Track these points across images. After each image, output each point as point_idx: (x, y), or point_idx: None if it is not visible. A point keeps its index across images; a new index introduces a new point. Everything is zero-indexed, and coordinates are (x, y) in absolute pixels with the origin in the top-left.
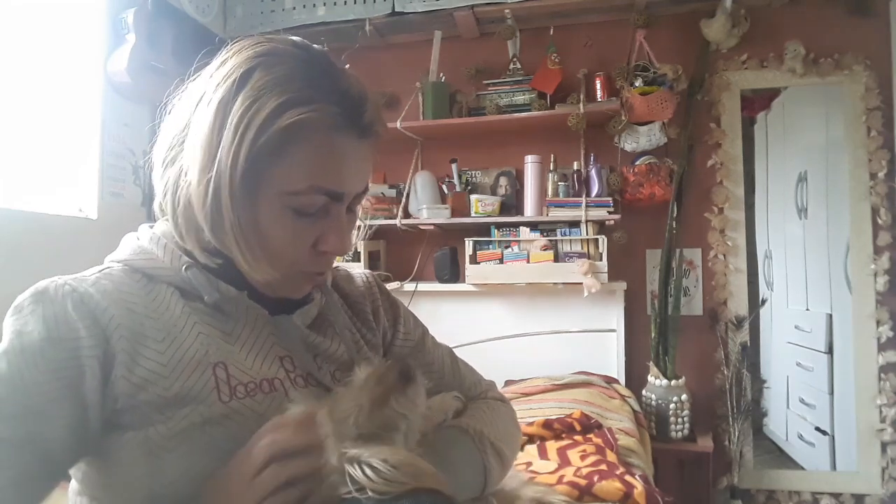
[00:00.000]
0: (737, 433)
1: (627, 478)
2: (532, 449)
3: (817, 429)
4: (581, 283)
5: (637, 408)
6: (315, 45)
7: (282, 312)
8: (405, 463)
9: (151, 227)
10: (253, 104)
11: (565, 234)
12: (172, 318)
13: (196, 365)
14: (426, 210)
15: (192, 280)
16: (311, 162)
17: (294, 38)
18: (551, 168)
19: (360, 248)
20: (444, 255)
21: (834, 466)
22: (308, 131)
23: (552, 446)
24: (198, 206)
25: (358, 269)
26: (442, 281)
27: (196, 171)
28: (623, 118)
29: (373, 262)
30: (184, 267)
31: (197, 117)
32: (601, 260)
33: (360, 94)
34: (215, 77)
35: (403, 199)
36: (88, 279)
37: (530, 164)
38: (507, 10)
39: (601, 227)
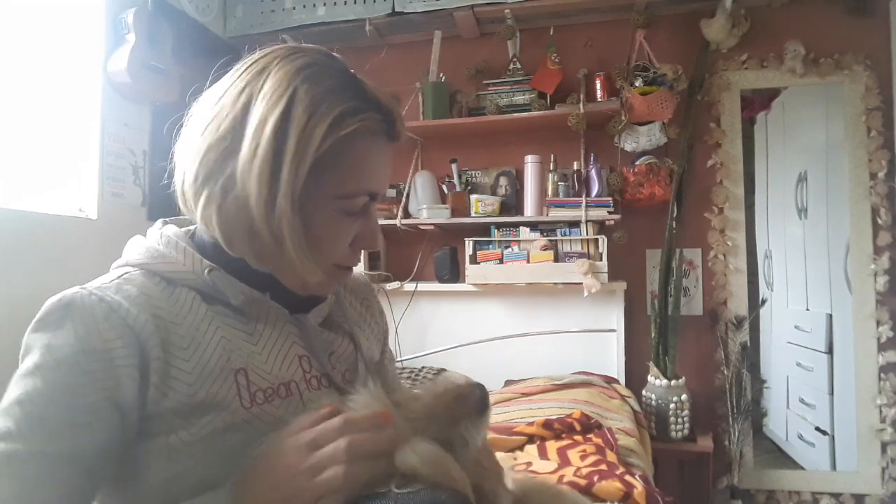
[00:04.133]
0: (737, 433)
1: (627, 478)
2: (532, 449)
3: (817, 429)
4: (581, 283)
5: (637, 408)
6: (334, 54)
7: (298, 311)
8: (440, 460)
9: (160, 229)
10: (312, 117)
11: (565, 234)
12: (195, 323)
13: (220, 372)
14: (426, 210)
15: (216, 283)
16: (361, 167)
17: (317, 46)
18: (551, 168)
19: None
20: (444, 255)
21: (834, 466)
22: (359, 139)
23: (552, 446)
24: (259, 216)
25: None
26: (442, 281)
27: (255, 183)
28: (623, 118)
29: (373, 262)
30: (206, 270)
31: (250, 131)
32: (601, 260)
33: (391, 102)
34: (265, 91)
35: (403, 199)
36: (111, 287)
37: (530, 164)
38: (507, 10)
39: (601, 227)
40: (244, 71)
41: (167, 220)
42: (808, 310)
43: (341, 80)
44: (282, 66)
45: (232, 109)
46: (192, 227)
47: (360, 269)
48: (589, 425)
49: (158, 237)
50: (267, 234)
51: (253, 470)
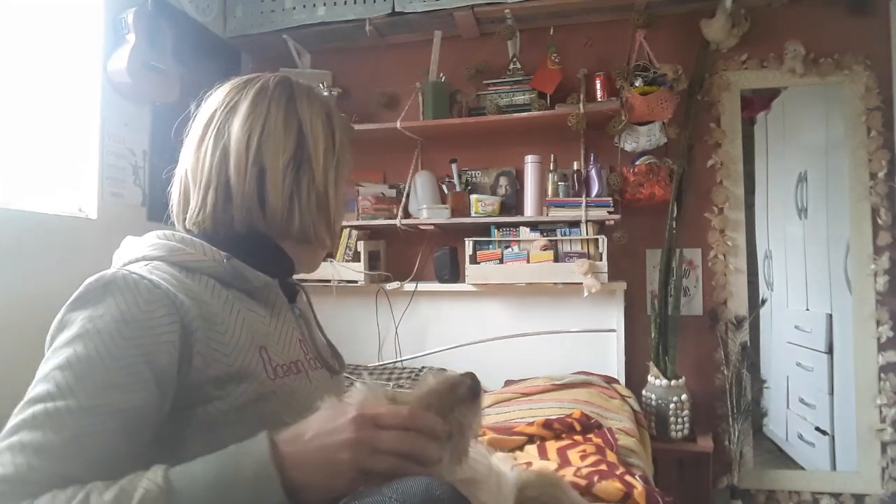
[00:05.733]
0: (737, 433)
1: (627, 478)
2: (532, 449)
3: (817, 429)
4: (581, 283)
5: (637, 408)
6: None
7: (291, 300)
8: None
9: (154, 233)
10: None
11: (565, 234)
12: (220, 303)
13: (248, 346)
14: (426, 210)
15: (236, 268)
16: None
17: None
18: (551, 168)
19: (361, 249)
20: (444, 255)
21: (834, 466)
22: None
23: (552, 446)
24: (334, 206)
25: None
26: (442, 281)
27: (331, 186)
28: (623, 118)
29: (373, 262)
30: (225, 258)
31: (320, 154)
32: (601, 260)
33: None
34: (313, 122)
35: (403, 199)
36: (142, 271)
37: (530, 164)
38: (507, 10)
39: (601, 227)
40: (273, 98)
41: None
42: (808, 310)
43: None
44: (312, 100)
45: (287, 136)
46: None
47: (360, 268)
48: (589, 425)
49: (161, 236)
50: (336, 218)
51: (305, 422)
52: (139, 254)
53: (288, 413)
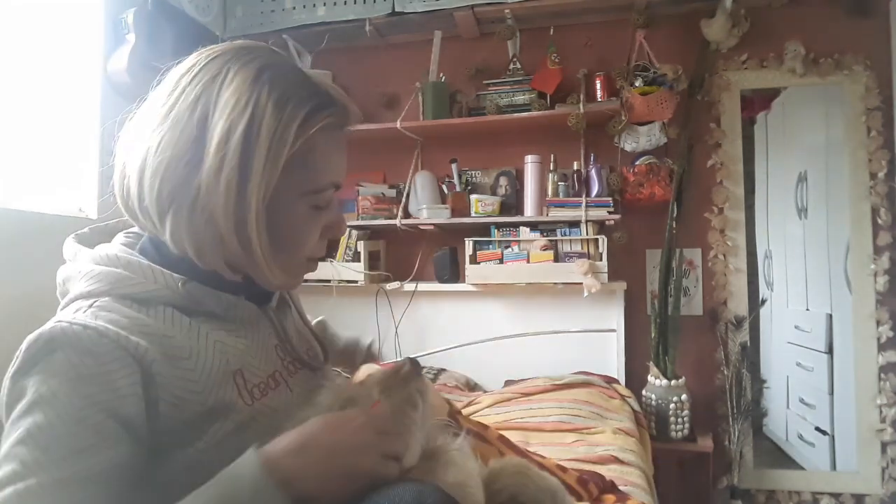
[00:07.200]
0: (737, 433)
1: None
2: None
3: (817, 429)
4: (581, 283)
5: (637, 408)
6: (277, 50)
7: (263, 303)
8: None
9: (102, 251)
10: (279, 123)
11: (565, 234)
12: (185, 334)
13: (222, 376)
14: (426, 210)
15: (193, 293)
16: (328, 161)
17: (264, 44)
18: (551, 168)
19: (361, 249)
20: (444, 255)
21: (834, 466)
22: (324, 134)
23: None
24: (226, 226)
25: None
26: (442, 281)
27: (223, 195)
28: (623, 118)
29: (373, 262)
30: (180, 283)
31: (214, 144)
32: (601, 260)
33: (340, 93)
34: (224, 100)
35: (403, 199)
36: (87, 316)
37: (530, 164)
38: (507, 10)
39: (601, 227)
40: (196, 76)
41: (76, 237)
42: (808, 310)
43: (296, 79)
44: (238, 73)
45: (189, 122)
46: (130, 240)
47: (360, 268)
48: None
49: (103, 259)
50: (235, 243)
51: (307, 432)
52: (82, 288)
53: (270, 435)
